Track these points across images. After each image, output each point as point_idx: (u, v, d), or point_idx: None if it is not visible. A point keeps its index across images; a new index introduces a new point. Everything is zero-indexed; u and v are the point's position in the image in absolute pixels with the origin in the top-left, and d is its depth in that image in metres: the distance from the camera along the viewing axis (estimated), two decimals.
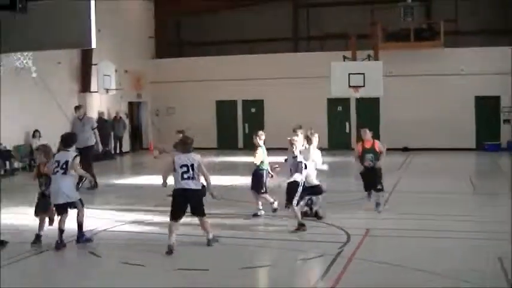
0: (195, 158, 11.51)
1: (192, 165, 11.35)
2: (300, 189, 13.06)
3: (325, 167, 14.68)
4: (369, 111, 33.35)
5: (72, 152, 12.20)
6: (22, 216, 14.28)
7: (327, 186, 15.41)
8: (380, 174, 15.35)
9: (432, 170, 25.00)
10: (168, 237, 11.31)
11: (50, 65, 26.70)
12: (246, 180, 15.67)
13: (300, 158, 13.17)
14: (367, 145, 15.34)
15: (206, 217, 11.75)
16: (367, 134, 15.46)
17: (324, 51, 34.75)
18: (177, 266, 10.51)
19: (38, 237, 11.87)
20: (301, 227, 12.99)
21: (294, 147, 13.20)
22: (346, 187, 19.39)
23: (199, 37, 37.90)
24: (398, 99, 32.55)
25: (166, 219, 11.64)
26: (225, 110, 36.54)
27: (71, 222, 11.98)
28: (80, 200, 12.07)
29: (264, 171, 14.85)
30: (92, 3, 6.85)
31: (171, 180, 11.69)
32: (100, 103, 32.85)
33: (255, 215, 14.81)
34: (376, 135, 19.73)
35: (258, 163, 14.77)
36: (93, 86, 31.47)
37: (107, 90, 30.83)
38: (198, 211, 11.61)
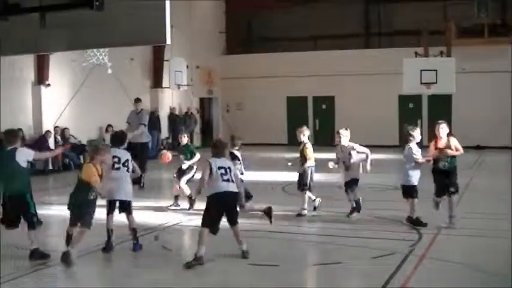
0: (229, 163, 11.00)
1: (230, 168, 10.66)
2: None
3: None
4: (441, 108, 32.80)
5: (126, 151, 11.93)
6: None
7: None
8: (456, 175, 13.30)
9: (506, 169, 24.44)
10: (198, 247, 10.33)
11: (123, 61, 27.17)
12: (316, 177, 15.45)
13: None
14: (442, 143, 13.11)
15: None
16: (443, 130, 13.22)
17: (395, 47, 34.40)
18: (248, 262, 10.48)
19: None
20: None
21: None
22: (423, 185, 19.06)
23: (270, 33, 37.96)
24: (470, 96, 32.02)
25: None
26: (295, 106, 36.56)
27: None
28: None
29: (310, 168, 14.58)
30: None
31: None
32: (172, 99, 33.27)
33: (299, 215, 14.47)
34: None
35: (313, 159, 14.59)
36: (165, 82, 31.84)
37: (179, 86, 31.14)
38: (234, 218, 10.68)
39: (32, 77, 25.07)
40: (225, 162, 10.81)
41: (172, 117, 33.34)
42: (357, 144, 14.46)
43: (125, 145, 12.23)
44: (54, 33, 7.65)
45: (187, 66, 31.79)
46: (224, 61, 38.18)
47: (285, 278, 9.72)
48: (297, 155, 14.88)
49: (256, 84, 36.67)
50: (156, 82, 32.35)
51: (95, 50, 20.85)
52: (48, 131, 24.80)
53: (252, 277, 9.87)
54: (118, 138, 12.13)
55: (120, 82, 26.91)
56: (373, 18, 37.48)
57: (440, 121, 13.55)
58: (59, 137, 25.47)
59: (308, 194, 14.68)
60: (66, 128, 25.83)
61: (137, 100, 20.60)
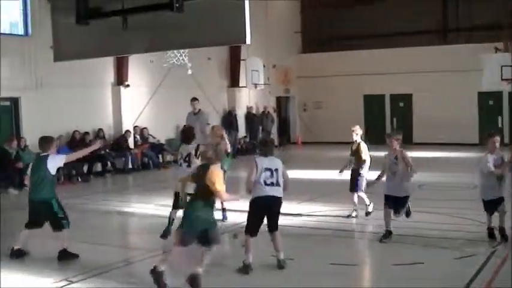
0: (278, 163, 10.23)
1: (277, 170, 10.02)
2: None
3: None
4: None
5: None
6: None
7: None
8: None
9: None
10: (245, 255, 9.97)
11: (201, 61, 27.44)
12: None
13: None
14: None
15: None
16: None
17: (474, 43, 33.74)
18: (328, 261, 10.45)
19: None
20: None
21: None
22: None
23: (346, 31, 37.66)
24: None
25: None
26: (372, 104, 36.28)
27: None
28: None
29: (365, 169, 14.21)
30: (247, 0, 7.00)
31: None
32: (249, 98, 33.45)
33: (349, 216, 14.12)
34: None
35: (368, 159, 14.23)
36: (242, 81, 32.03)
37: (256, 85, 31.27)
38: (275, 224, 10.18)
39: (112, 78, 25.61)
40: (273, 162, 10.16)
41: (249, 116, 33.52)
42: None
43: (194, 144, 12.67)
44: (135, 35, 7.82)
45: (263, 66, 31.91)
46: (300, 60, 38.18)
47: (365, 277, 9.67)
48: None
49: (332, 83, 36.55)
50: (233, 81, 32.60)
51: (175, 50, 21.13)
52: (127, 131, 25.29)
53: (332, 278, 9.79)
54: (188, 135, 12.81)
55: (198, 82, 27.17)
56: (451, 13, 36.82)
57: None
58: (138, 137, 25.94)
59: (362, 195, 14.19)
60: (145, 128, 26.28)
61: (194, 99, 19.44)
